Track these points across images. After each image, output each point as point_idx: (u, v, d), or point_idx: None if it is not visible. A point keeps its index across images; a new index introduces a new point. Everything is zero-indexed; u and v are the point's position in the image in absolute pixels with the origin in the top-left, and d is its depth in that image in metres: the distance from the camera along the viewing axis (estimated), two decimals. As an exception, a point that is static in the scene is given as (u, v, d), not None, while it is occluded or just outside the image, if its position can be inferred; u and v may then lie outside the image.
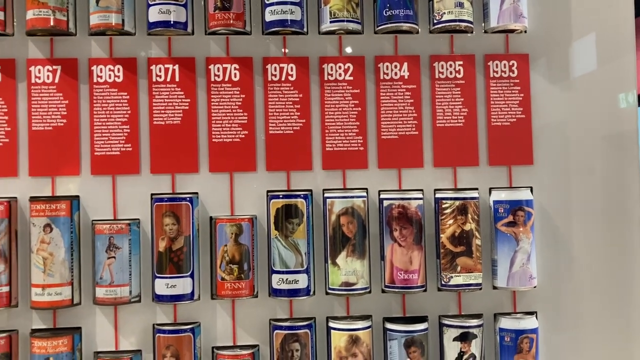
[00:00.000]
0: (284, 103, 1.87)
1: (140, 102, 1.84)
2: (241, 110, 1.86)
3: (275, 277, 1.78)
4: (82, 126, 1.83)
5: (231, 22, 1.80)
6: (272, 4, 1.80)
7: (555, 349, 1.90)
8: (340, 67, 1.88)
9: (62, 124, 1.82)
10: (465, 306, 1.88)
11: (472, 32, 1.89)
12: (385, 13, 1.83)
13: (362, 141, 1.88)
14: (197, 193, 1.82)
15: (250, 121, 1.86)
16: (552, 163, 1.92)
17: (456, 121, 1.90)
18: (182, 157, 1.84)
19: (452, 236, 1.81)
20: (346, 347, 1.78)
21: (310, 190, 1.83)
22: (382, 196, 1.83)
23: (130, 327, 1.81)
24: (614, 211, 1.93)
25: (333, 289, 1.80)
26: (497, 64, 1.92)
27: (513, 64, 1.92)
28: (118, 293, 1.75)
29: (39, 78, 1.82)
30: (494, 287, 1.87)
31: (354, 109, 1.88)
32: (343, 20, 1.82)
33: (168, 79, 1.85)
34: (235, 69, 1.86)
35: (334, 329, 1.80)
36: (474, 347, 1.81)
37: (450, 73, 1.90)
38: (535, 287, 1.86)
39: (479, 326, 1.82)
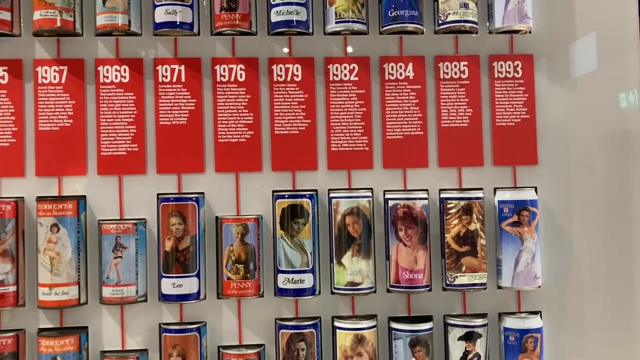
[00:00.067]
0: (289, 103, 1.88)
1: (146, 102, 1.85)
2: (247, 111, 1.87)
3: (281, 277, 1.79)
4: (88, 126, 1.84)
5: (237, 22, 1.81)
6: (277, 5, 1.81)
7: (559, 348, 1.91)
8: (345, 68, 1.89)
9: (68, 124, 1.83)
10: (469, 306, 1.89)
11: (476, 33, 1.90)
12: (391, 14, 1.84)
13: (367, 141, 1.88)
14: (203, 193, 1.82)
15: (256, 121, 1.86)
16: (556, 163, 1.92)
17: (461, 121, 1.90)
18: (188, 157, 1.85)
19: (457, 236, 1.82)
20: (352, 347, 1.79)
21: (316, 190, 1.84)
22: (387, 196, 1.84)
23: (137, 326, 1.82)
24: (618, 211, 1.94)
25: (338, 289, 1.81)
26: (501, 65, 1.92)
27: (517, 65, 1.92)
28: (125, 292, 1.76)
29: (46, 78, 1.83)
30: (499, 287, 1.87)
31: (359, 109, 1.89)
32: (348, 21, 1.83)
33: (174, 80, 1.85)
34: (241, 69, 1.87)
35: (340, 328, 1.81)
36: (479, 347, 1.82)
37: (455, 73, 1.91)
38: (539, 286, 1.86)
39: (483, 326, 1.83)
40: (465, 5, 1.84)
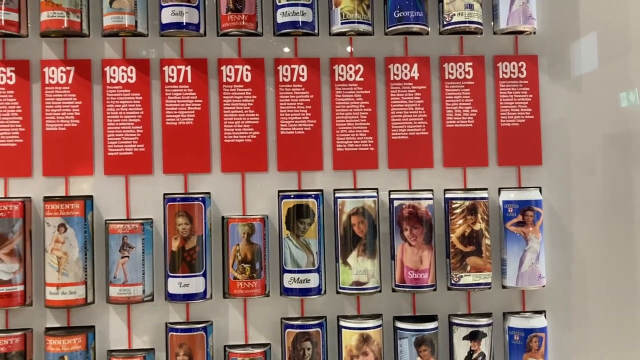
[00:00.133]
0: (295, 104, 1.88)
1: (153, 102, 1.86)
2: (253, 111, 1.87)
3: (286, 277, 1.80)
4: (95, 127, 1.85)
5: (243, 23, 1.82)
6: (283, 6, 1.82)
7: (563, 347, 1.91)
8: (350, 68, 1.90)
9: (75, 125, 1.84)
10: (474, 305, 1.90)
11: (481, 34, 1.91)
12: (396, 14, 1.85)
13: (372, 141, 1.89)
14: (209, 193, 1.83)
15: (262, 122, 1.87)
16: (560, 163, 1.93)
17: (466, 122, 1.91)
18: (195, 157, 1.86)
19: (462, 236, 1.83)
20: (357, 346, 1.80)
21: (321, 191, 1.85)
22: (392, 196, 1.85)
23: (143, 325, 1.83)
24: (622, 211, 1.95)
25: (344, 288, 1.81)
26: (506, 65, 1.93)
27: (522, 65, 1.93)
28: (131, 292, 1.77)
29: (53, 79, 1.84)
30: (503, 287, 1.88)
31: (364, 109, 1.90)
32: (354, 22, 1.84)
33: (180, 80, 1.86)
34: (247, 70, 1.88)
35: (345, 327, 1.82)
36: (484, 346, 1.82)
37: (460, 74, 1.92)
38: (543, 286, 1.87)
39: (488, 325, 1.84)
40: (470, 7, 1.85)
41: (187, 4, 1.80)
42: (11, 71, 1.83)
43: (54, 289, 1.75)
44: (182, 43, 1.87)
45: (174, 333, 1.79)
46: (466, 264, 1.82)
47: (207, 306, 1.83)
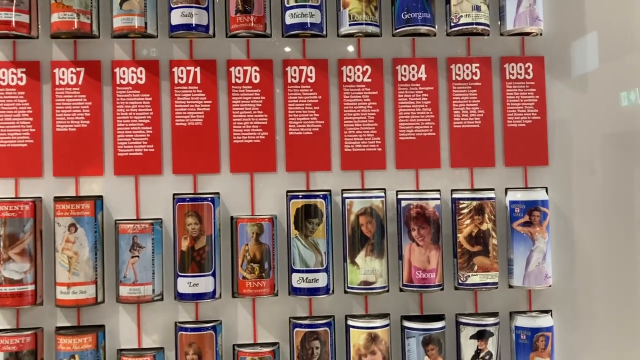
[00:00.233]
0: (303, 104, 1.90)
1: (162, 103, 1.87)
2: (261, 112, 1.89)
3: (295, 276, 1.81)
4: (105, 127, 1.86)
5: (252, 25, 1.83)
6: (292, 7, 1.83)
7: (570, 347, 1.93)
8: (358, 69, 1.91)
9: (85, 125, 1.85)
10: (481, 305, 1.91)
11: (488, 35, 1.92)
12: (404, 16, 1.86)
13: (380, 142, 1.90)
14: (218, 193, 1.85)
15: (271, 122, 1.89)
16: (567, 164, 1.95)
17: (473, 122, 1.93)
18: (204, 157, 1.87)
19: (469, 236, 1.84)
20: (365, 345, 1.81)
21: (329, 191, 1.86)
22: (400, 196, 1.86)
23: (153, 325, 1.84)
24: (629, 211, 1.96)
25: (352, 288, 1.83)
26: (513, 66, 1.94)
27: (529, 66, 1.94)
28: (141, 291, 1.78)
29: (63, 80, 1.85)
30: (510, 286, 1.90)
31: (372, 110, 1.91)
32: (362, 23, 1.85)
33: (190, 81, 1.88)
34: (255, 71, 1.89)
35: (353, 327, 1.83)
36: (491, 345, 1.84)
37: (467, 75, 1.93)
38: (550, 286, 1.88)
39: (495, 324, 1.85)
40: (478, 8, 1.86)
41: (197, 5, 1.81)
42: (22, 72, 1.84)
43: (64, 288, 1.76)
44: (191, 44, 1.89)
45: (184, 332, 1.80)
46: (473, 264, 1.84)
47: (216, 305, 1.85)
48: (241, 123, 1.88)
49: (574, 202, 1.94)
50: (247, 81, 1.89)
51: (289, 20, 1.84)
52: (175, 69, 1.88)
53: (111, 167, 1.85)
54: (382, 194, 1.85)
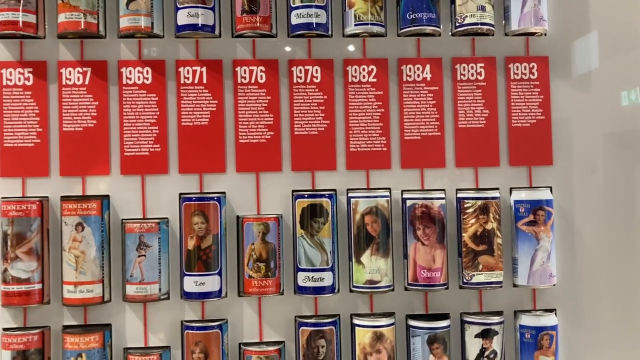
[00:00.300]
0: (309, 104, 1.90)
1: (168, 103, 1.88)
2: (267, 112, 1.90)
3: (301, 275, 1.82)
4: (111, 127, 1.87)
5: (258, 25, 1.84)
6: (298, 8, 1.84)
7: (574, 345, 1.94)
8: (364, 69, 1.92)
9: (92, 125, 1.86)
10: (485, 303, 1.92)
11: (493, 35, 1.92)
12: (409, 16, 1.87)
13: (385, 142, 1.91)
14: (224, 192, 1.85)
15: (276, 122, 1.89)
16: (571, 163, 1.96)
17: (477, 122, 1.93)
18: (210, 157, 1.88)
19: (474, 235, 1.85)
20: (370, 344, 1.82)
21: (335, 190, 1.87)
22: (405, 196, 1.87)
23: (159, 323, 1.85)
24: (633, 211, 1.97)
25: (357, 287, 1.84)
26: (517, 66, 1.95)
27: (533, 66, 1.95)
28: (148, 290, 1.79)
29: (70, 80, 1.86)
30: (514, 285, 1.90)
31: (377, 110, 1.92)
32: (367, 24, 1.86)
33: (196, 81, 1.88)
34: (261, 71, 1.90)
35: (359, 325, 1.84)
36: (495, 344, 1.85)
37: (472, 75, 1.94)
38: (554, 285, 1.89)
39: (500, 323, 1.86)
40: (482, 8, 1.87)
41: (203, 5, 1.82)
42: (29, 72, 1.85)
43: (71, 287, 1.77)
44: (197, 44, 1.90)
45: (190, 331, 1.81)
46: (478, 263, 1.85)
47: (222, 304, 1.85)
48: (247, 123, 1.89)
49: (578, 201, 1.95)
50: (252, 81, 1.90)
51: (294, 21, 1.85)
52: (181, 69, 1.88)
53: (118, 167, 1.86)
54: (388, 194, 1.86)
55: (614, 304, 1.95)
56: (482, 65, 1.94)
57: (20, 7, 1.78)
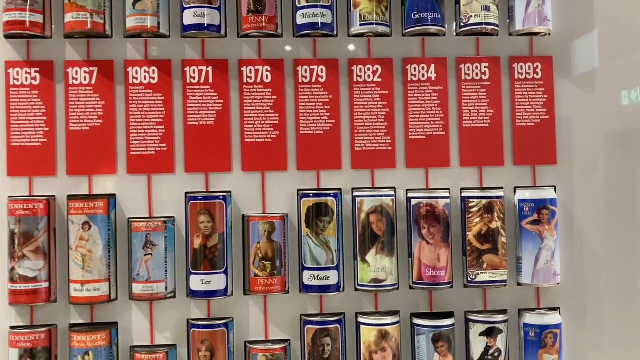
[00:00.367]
0: (314, 104, 1.91)
1: (174, 103, 1.89)
2: (273, 111, 1.90)
3: (306, 274, 1.83)
4: (118, 126, 1.88)
5: (264, 25, 1.85)
6: (303, 8, 1.85)
7: (578, 344, 1.95)
8: (369, 69, 1.93)
9: (98, 124, 1.87)
10: (490, 302, 1.93)
11: (497, 35, 1.93)
12: (414, 16, 1.88)
13: (390, 141, 1.92)
14: (230, 191, 1.86)
15: (282, 122, 1.90)
16: (575, 163, 1.97)
17: (482, 122, 1.94)
18: (216, 156, 1.89)
19: (478, 234, 1.86)
20: (376, 342, 1.83)
21: (340, 189, 1.87)
22: (410, 195, 1.88)
23: (166, 322, 1.86)
24: (637, 210, 1.97)
25: (362, 285, 1.84)
26: (521, 66, 1.96)
27: (537, 66, 1.96)
28: (154, 289, 1.80)
29: (76, 79, 1.87)
30: (519, 284, 1.91)
31: (382, 109, 1.93)
32: (372, 23, 1.87)
33: (202, 81, 1.89)
34: (267, 70, 1.91)
35: (364, 324, 1.85)
36: (500, 342, 1.86)
37: (477, 75, 1.95)
38: (558, 283, 1.90)
39: (504, 321, 1.87)
40: (487, 8, 1.88)
41: (209, 5, 1.82)
42: (36, 72, 1.86)
43: (78, 285, 1.78)
44: (203, 44, 1.90)
45: (196, 329, 1.82)
46: (482, 262, 1.86)
47: (228, 303, 1.86)
48: (252, 122, 1.90)
49: (582, 200, 1.96)
50: (258, 81, 1.91)
51: (300, 20, 1.86)
52: (187, 69, 1.89)
53: (124, 166, 1.87)
54: (393, 193, 1.86)
55: (618, 302, 1.96)
56: (487, 65, 1.95)
57: (28, 7, 1.79)
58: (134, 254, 1.81)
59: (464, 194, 1.89)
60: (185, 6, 1.83)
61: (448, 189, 1.89)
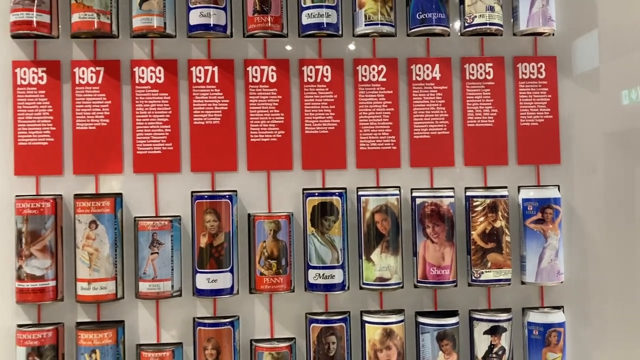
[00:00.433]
0: (319, 104, 1.92)
1: (180, 102, 1.90)
2: (278, 111, 1.91)
3: (311, 273, 1.84)
4: (124, 126, 1.89)
5: (269, 25, 1.85)
6: (308, 8, 1.86)
7: (581, 342, 1.96)
8: (374, 69, 1.94)
9: (105, 124, 1.88)
10: (494, 301, 1.94)
11: (501, 35, 1.94)
12: (418, 16, 1.89)
13: (395, 141, 1.93)
14: (235, 191, 1.87)
15: (287, 121, 1.91)
16: (578, 162, 1.98)
17: (486, 121, 1.95)
18: (221, 156, 1.90)
19: (482, 233, 1.87)
20: (380, 340, 1.84)
21: (345, 189, 1.88)
22: (414, 194, 1.89)
23: (172, 320, 1.87)
24: None
25: (367, 284, 1.86)
26: (525, 66, 1.97)
27: (541, 66, 1.97)
28: (161, 287, 1.81)
29: (83, 79, 1.88)
30: (523, 283, 1.92)
31: (387, 109, 1.94)
32: (377, 24, 1.88)
33: (208, 80, 1.90)
34: (272, 70, 1.92)
35: (369, 322, 1.86)
36: (504, 341, 1.87)
37: (481, 74, 1.96)
38: (562, 282, 1.91)
39: (508, 320, 1.88)
40: (491, 9, 1.89)
41: (215, 5, 1.83)
42: (42, 71, 1.87)
43: (85, 284, 1.79)
44: (209, 44, 1.91)
45: (202, 327, 1.83)
46: (487, 261, 1.87)
47: (234, 301, 1.87)
48: (258, 122, 1.91)
49: (585, 199, 1.97)
50: (264, 80, 1.91)
51: (305, 21, 1.87)
52: (193, 69, 1.90)
53: (130, 165, 1.88)
54: (397, 192, 1.88)
55: (621, 301, 1.97)
56: (491, 65, 1.96)
57: (35, 7, 1.80)
58: (140, 252, 1.82)
59: (468, 193, 1.90)
60: (191, 6, 1.84)
61: (452, 188, 1.90)
